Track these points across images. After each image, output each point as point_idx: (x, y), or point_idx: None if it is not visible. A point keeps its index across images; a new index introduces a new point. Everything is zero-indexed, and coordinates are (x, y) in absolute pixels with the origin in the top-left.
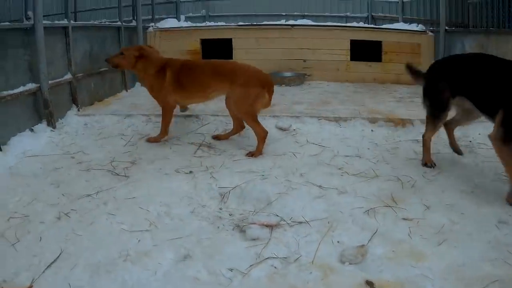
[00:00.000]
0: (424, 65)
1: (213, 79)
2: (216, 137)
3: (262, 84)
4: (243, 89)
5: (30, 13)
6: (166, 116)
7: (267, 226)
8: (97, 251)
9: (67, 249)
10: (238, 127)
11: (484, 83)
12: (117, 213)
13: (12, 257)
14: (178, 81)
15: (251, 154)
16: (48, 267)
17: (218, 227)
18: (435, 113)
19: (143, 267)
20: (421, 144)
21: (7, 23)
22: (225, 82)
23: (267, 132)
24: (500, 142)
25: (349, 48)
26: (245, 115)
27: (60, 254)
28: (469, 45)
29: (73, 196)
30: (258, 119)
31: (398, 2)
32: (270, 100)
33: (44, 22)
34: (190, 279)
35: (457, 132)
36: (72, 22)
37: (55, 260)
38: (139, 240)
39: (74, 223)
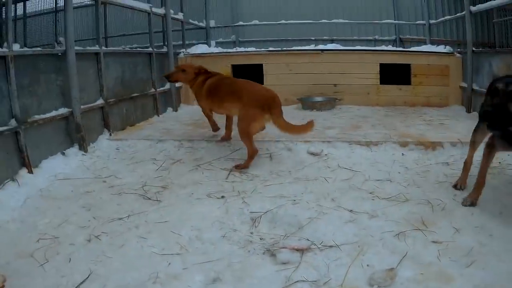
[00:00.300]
0: (452, 87)
1: (227, 96)
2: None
3: (262, 106)
4: (244, 108)
5: (61, 39)
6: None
7: (297, 250)
8: (127, 273)
9: (97, 271)
10: None
11: None
12: (148, 237)
13: (40, 276)
14: (210, 93)
15: (238, 166)
16: (76, 287)
17: (249, 251)
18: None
19: None
20: (451, 167)
21: (39, 48)
22: (235, 100)
23: (257, 151)
24: None
25: (379, 72)
26: (240, 133)
27: (89, 275)
28: (496, 65)
29: (104, 219)
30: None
31: (425, 24)
32: (277, 119)
33: (76, 48)
34: None
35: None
36: (103, 48)
37: (84, 281)
38: (169, 263)
39: (104, 246)
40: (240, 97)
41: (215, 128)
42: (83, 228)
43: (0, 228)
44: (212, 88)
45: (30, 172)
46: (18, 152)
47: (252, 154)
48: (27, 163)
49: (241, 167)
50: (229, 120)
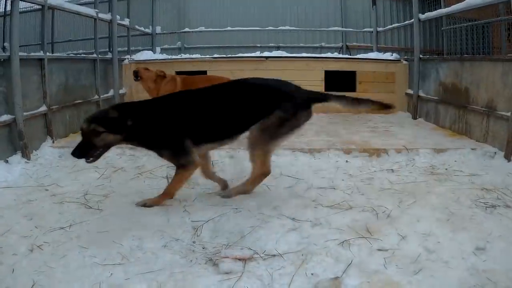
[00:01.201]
0: (398, 94)
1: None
2: None
3: None
4: None
5: (6, 44)
6: None
7: (240, 259)
8: (69, 284)
9: (40, 281)
10: None
11: None
12: (90, 246)
13: None
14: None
15: None
16: None
17: (191, 260)
18: None
19: None
20: (396, 174)
21: None
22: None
23: None
24: None
25: (324, 79)
26: None
27: (32, 286)
28: (443, 72)
29: (46, 228)
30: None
31: (372, 31)
32: None
33: (20, 54)
34: None
35: (434, 160)
36: (48, 54)
37: None
38: (111, 274)
39: (46, 256)
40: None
41: None
42: (26, 238)
43: None
44: (187, 82)
45: None
46: None
47: None
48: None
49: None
50: None
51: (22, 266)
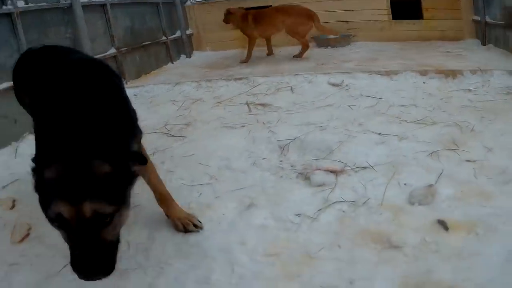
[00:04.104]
0: (465, 20)
1: (276, 17)
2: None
3: (307, 16)
4: (297, 20)
5: None
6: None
7: (331, 172)
8: (157, 206)
9: None
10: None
11: None
12: (176, 170)
13: None
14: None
15: (296, 55)
16: None
17: (281, 176)
18: None
19: (207, 219)
20: (474, 93)
21: (45, 3)
22: (285, 17)
23: (309, 45)
24: None
25: (389, 7)
26: (294, 34)
27: None
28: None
29: None
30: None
31: None
32: (318, 24)
33: (82, 0)
34: (256, 226)
35: (509, 81)
36: None
37: None
38: (200, 194)
39: None
40: (289, 14)
41: (248, 59)
42: None
43: (24, 180)
44: (258, 17)
45: None
46: None
47: (305, 46)
48: None
49: (298, 56)
50: (268, 42)
51: None
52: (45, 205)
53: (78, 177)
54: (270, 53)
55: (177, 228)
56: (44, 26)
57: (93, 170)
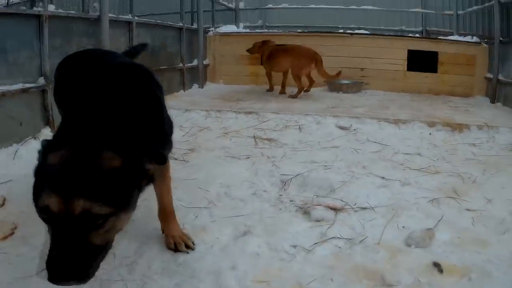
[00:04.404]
0: (477, 77)
1: (283, 56)
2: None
3: (310, 58)
4: (296, 61)
5: (96, 4)
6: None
7: (331, 208)
8: (151, 223)
9: None
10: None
11: None
12: (175, 191)
13: None
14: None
15: (291, 96)
16: None
17: (280, 209)
18: None
19: (199, 241)
20: (478, 148)
21: (73, 12)
22: (289, 57)
23: (303, 88)
24: None
25: (406, 58)
26: (294, 76)
27: None
28: None
29: None
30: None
31: (452, 14)
32: (319, 68)
33: (110, 15)
34: (249, 253)
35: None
36: (136, 18)
37: None
38: (196, 216)
39: None
40: (292, 54)
41: (271, 88)
42: None
43: (17, 181)
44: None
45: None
46: (44, 111)
47: (300, 88)
48: (50, 122)
49: (293, 97)
50: (284, 78)
51: None
52: (36, 193)
53: (80, 167)
54: (281, 91)
55: (168, 246)
56: (69, 33)
57: (99, 162)
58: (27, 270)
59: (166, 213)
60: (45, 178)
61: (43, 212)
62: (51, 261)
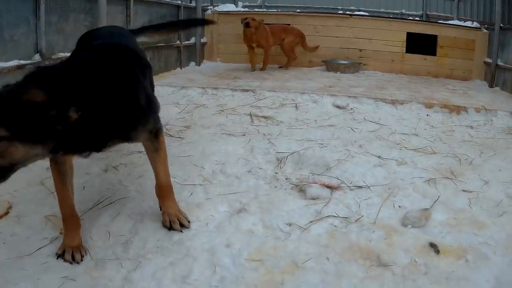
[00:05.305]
0: (476, 62)
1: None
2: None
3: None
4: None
5: None
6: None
7: (327, 187)
8: (144, 200)
9: (111, 198)
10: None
11: None
12: (170, 168)
13: (48, 203)
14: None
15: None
16: (85, 212)
17: (276, 186)
18: None
19: (194, 218)
20: (475, 130)
21: None
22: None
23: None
24: None
25: (405, 40)
26: (289, 48)
27: (99, 200)
28: None
29: (122, 151)
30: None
31: (453, 0)
32: (304, 43)
33: None
34: (244, 231)
35: (511, 122)
36: None
37: (95, 205)
38: (191, 193)
39: (121, 175)
40: (289, 32)
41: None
42: (100, 159)
43: None
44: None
45: None
46: None
47: (294, 58)
48: None
49: (284, 67)
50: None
51: (94, 184)
52: None
53: (6, 95)
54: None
55: (164, 223)
56: (65, 10)
57: (21, 92)
58: (22, 250)
59: (162, 189)
60: None
61: None
62: None
